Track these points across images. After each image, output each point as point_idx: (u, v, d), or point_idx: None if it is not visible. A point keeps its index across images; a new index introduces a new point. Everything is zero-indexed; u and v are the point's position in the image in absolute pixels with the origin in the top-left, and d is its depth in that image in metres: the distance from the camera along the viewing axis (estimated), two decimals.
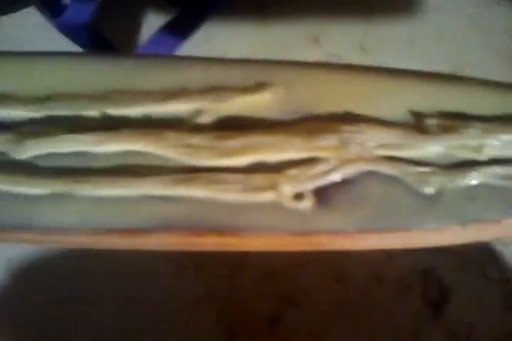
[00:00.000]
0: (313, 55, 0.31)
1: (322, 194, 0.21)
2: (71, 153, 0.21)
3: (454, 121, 0.21)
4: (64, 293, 0.30)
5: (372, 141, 0.21)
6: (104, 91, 0.21)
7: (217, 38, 0.31)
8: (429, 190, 0.21)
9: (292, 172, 0.20)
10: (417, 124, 0.21)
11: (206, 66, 0.21)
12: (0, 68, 0.21)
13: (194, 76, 0.21)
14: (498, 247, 0.31)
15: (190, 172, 0.20)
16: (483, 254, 0.30)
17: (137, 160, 0.21)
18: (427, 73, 0.22)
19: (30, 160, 0.21)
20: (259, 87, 0.21)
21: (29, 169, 0.21)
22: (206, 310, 0.29)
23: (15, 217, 0.20)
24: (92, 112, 0.21)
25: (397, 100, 0.21)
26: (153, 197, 0.20)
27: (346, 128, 0.21)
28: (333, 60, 0.31)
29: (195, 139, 0.20)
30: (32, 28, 0.31)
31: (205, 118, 0.21)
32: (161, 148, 0.20)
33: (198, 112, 0.21)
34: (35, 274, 0.30)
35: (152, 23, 0.30)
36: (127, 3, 0.31)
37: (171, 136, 0.20)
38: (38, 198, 0.20)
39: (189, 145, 0.20)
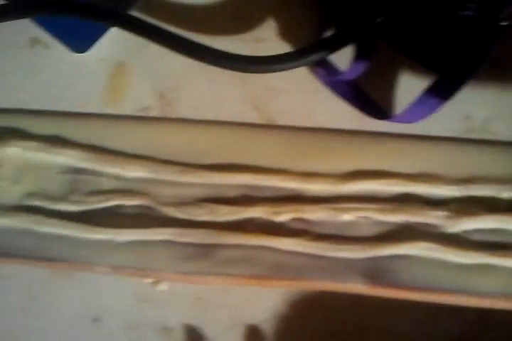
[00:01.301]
0: None
1: None
2: (492, 229, 0.26)
3: None
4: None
5: None
6: None
7: (460, 100, 0.30)
8: None
9: None
10: None
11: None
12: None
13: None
14: None
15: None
16: None
17: None
18: None
19: (459, 234, 0.26)
20: None
21: (459, 241, 0.26)
22: None
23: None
24: (505, 194, 0.26)
25: None
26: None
27: None
28: None
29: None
30: None
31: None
32: None
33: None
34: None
35: (409, 85, 0.32)
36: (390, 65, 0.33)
37: None
38: (467, 267, 0.26)
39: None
